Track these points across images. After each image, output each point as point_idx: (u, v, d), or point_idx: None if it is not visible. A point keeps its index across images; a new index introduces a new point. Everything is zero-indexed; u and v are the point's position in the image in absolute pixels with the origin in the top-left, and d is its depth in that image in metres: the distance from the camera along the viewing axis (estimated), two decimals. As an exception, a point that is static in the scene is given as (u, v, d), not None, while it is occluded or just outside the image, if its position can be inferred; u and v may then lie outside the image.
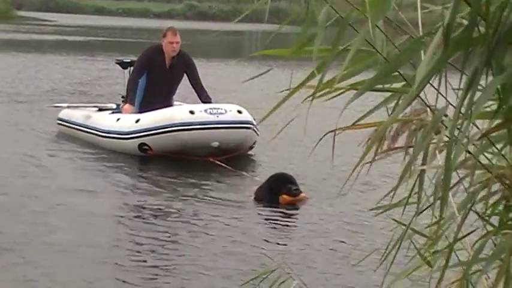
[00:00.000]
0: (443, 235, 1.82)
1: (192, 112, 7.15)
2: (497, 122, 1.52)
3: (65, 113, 8.66)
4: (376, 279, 2.87)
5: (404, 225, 1.73)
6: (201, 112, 7.07)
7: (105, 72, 13.58)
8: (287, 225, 5.41)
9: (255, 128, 7.01)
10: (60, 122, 8.69)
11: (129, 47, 21.57)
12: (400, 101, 1.50)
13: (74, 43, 25.43)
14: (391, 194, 1.57)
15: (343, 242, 4.73)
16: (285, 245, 4.74)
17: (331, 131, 1.62)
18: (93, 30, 30.97)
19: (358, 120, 1.56)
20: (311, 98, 1.48)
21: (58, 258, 4.58)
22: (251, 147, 7.31)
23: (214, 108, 7.07)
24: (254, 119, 6.77)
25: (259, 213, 5.55)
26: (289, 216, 5.51)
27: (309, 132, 2.87)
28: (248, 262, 4.41)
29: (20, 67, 15.70)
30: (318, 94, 1.37)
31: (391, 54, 1.51)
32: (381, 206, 1.81)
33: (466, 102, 1.32)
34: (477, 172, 1.60)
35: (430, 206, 1.50)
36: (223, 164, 5.51)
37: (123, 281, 4.24)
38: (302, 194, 5.59)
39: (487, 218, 1.65)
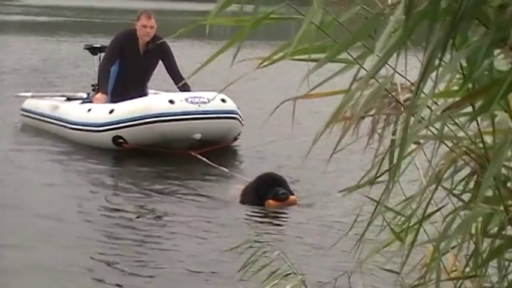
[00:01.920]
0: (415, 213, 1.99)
1: (171, 102, 6.73)
2: (458, 98, 1.59)
3: (30, 103, 8.33)
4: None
5: (376, 201, 1.80)
6: (182, 101, 6.61)
7: (73, 58, 12.75)
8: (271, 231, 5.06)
9: (239, 118, 6.62)
10: (24, 112, 8.35)
11: (97, 28, 20.95)
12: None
13: (40, 24, 24.14)
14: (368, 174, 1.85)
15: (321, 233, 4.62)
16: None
17: (289, 99, 1.61)
18: (60, 10, 29.83)
19: (317, 86, 1.50)
20: (263, 65, 1.52)
21: (21, 257, 4.22)
22: (235, 139, 6.84)
23: (196, 97, 6.63)
24: (238, 108, 6.53)
25: (243, 217, 5.07)
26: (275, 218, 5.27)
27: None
28: (226, 263, 3.98)
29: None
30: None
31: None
32: (349, 187, 1.97)
33: (426, 76, 1.38)
34: (447, 151, 1.82)
35: (384, 172, 1.53)
36: (205, 159, 5.53)
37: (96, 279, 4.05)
38: (291, 197, 5.27)
39: (457, 194, 1.87)
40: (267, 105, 2.34)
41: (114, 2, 30.43)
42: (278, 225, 5.00)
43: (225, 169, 5.77)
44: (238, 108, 6.61)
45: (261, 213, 5.21)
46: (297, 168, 5.37)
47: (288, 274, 2.67)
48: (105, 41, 7.99)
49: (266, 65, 1.55)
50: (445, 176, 1.80)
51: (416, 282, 2.00)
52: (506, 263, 1.99)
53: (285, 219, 5.04)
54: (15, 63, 13.52)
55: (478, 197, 1.79)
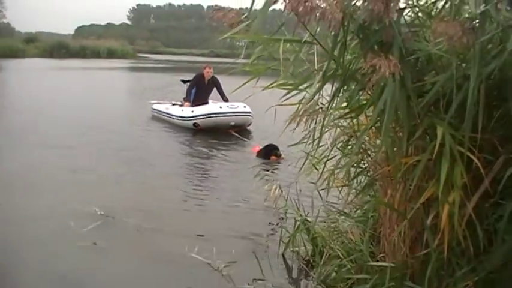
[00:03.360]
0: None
1: (220, 107, 11.31)
2: (346, 111, 3.39)
3: (155, 106, 13.08)
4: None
5: (306, 153, 3.85)
6: (225, 107, 11.31)
7: (175, 84, 17.60)
8: (273, 171, 7.90)
9: (251, 115, 11.37)
10: (153, 111, 13.17)
11: (185, 69, 28.09)
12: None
13: (160, 68, 37.36)
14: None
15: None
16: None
17: (273, 106, 3.52)
18: (167, 63, 44.37)
19: (286, 100, 3.39)
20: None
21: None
22: (249, 125, 11.60)
23: (232, 105, 11.36)
24: (251, 111, 11.05)
25: (257, 165, 8.19)
26: (273, 165, 8.26)
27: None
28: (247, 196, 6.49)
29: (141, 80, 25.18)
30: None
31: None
32: (294, 143, 3.90)
33: (334, 100, 3.15)
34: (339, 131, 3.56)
35: (317, 138, 3.24)
36: (236, 134, 9.63)
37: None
38: (282, 156, 8.56)
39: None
40: (264, 108, 4.11)
41: (190, 57, 47.78)
42: (276, 168, 8.09)
43: (245, 139, 10.14)
44: (251, 110, 10.99)
45: (266, 163, 8.43)
46: (279, 142, 8.31)
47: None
48: (190, 76, 12.66)
49: (264, 89, 3.37)
50: (338, 142, 3.69)
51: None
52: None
53: (277, 165, 8.32)
54: (149, 85, 21.97)
55: (353, 151, 3.58)
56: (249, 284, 3.87)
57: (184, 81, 12.86)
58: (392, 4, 2.14)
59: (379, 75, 2.02)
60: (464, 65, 2.52)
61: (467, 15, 2.42)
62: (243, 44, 3.49)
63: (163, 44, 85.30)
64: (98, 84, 20.89)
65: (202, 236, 5.05)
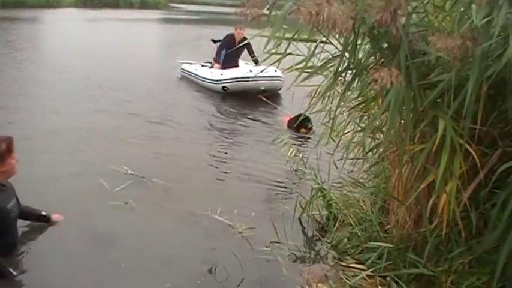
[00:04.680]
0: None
1: (250, 71, 10.52)
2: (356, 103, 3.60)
3: (185, 66, 12.57)
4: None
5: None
6: (255, 71, 10.17)
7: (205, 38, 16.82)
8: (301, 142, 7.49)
9: (282, 79, 10.30)
10: (182, 71, 12.68)
11: (216, 22, 28.54)
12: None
13: (192, 19, 35.79)
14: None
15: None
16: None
17: (294, 86, 3.62)
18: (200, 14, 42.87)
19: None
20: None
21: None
22: (279, 89, 10.77)
23: (262, 69, 9.68)
24: (282, 74, 9.79)
25: (289, 136, 7.46)
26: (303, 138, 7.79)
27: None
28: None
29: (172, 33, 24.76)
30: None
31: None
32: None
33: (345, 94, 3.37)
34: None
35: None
36: (266, 100, 8.13)
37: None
38: (313, 129, 7.93)
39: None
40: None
41: (224, 8, 44.12)
42: (304, 138, 7.74)
43: (276, 106, 9.06)
44: (282, 74, 9.75)
45: (295, 134, 7.90)
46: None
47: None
48: (222, 33, 12.09)
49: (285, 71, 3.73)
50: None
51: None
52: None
53: (307, 138, 7.79)
54: (181, 38, 21.61)
55: (366, 130, 3.71)
56: (266, 247, 4.13)
57: (214, 41, 12.28)
58: (399, 12, 2.31)
59: (381, 85, 2.23)
60: (466, 66, 2.69)
61: (469, 25, 2.57)
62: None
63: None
64: (131, 38, 20.89)
65: (225, 198, 5.30)
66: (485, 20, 2.35)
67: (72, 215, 4.51)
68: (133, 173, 5.63)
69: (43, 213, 4.09)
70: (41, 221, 4.32)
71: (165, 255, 4.03)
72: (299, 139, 7.71)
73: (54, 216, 4.14)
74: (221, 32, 12.56)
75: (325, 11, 2.13)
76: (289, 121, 8.33)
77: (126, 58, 15.34)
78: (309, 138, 7.67)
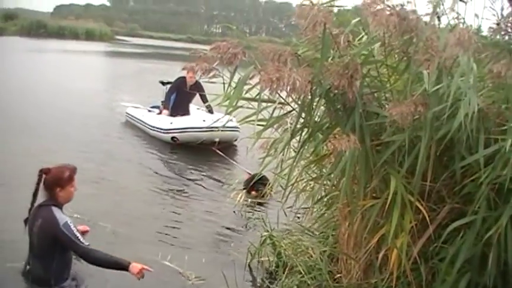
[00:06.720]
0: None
1: (204, 120, 9.61)
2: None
3: (130, 110, 11.51)
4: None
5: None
6: (209, 120, 9.45)
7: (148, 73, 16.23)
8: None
9: (238, 130, 9.40)
10: (127, 115, 11.58)
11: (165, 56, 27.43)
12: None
13: (141, 54, 35.46)
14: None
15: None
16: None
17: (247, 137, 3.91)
18: (147, 47, 42.38)
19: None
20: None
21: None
22: (235, 140, 9.88)
23: (216, 118, 8.90)
24: (238, 125, 8.73)
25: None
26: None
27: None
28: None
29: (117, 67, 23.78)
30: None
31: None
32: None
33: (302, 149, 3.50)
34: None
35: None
36: (220, 152, 7.81)
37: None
38: (262, 193, 7.15)
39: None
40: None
41: (167, 42, 45.75)
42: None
43: (231, 160, 8.41)
44: (239, 126, 8.78)
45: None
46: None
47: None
48: (167, 68, 10.88)
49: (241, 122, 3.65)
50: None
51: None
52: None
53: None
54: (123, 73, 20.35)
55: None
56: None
57: (163, 83, 11.21)
58: (355, 79, 2.39)
59: (338, 151, 2.28)
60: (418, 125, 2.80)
61: (420, 90, 2.68)
62: (220, 31, 3.58)
63: (141, 26, 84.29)
64: (74, 71, 20.32)
65: (176, 243, 5.34)
66: (436, 87, 2.45)
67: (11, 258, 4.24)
68: (79, 216, 5.48)
69: None
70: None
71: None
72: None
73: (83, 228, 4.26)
74: (167, 68, 12.00)
75: (285, 77, 2.17)
76: (245, 180, 7.53)
77: (66, 95, 14.76)
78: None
